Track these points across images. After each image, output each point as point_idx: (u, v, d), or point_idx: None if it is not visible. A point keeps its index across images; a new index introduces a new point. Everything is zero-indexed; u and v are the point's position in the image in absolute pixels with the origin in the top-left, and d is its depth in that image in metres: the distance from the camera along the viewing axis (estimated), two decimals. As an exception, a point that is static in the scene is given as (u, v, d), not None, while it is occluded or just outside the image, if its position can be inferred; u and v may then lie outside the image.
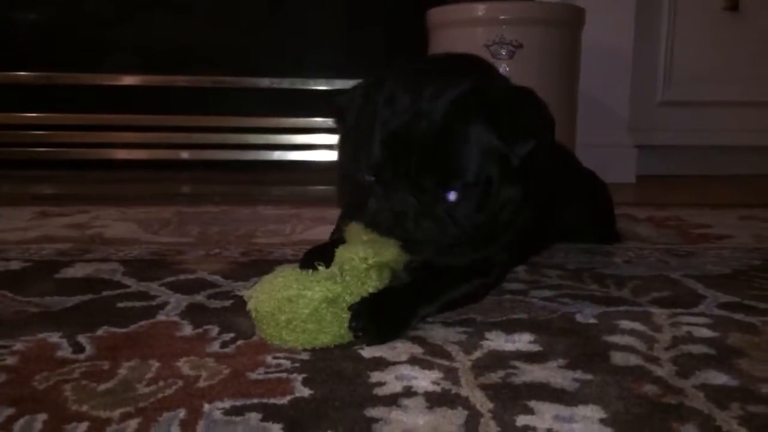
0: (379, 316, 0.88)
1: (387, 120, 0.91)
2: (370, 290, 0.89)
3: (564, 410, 0.70)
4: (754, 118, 3.05)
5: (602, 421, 0.67)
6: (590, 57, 2.53)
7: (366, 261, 0.87)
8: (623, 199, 2.08)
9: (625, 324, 0.96)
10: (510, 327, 0.94)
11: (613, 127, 2.82)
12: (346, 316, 0.86)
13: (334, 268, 0.88)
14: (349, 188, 1.01)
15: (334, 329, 0.86)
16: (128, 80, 2.79)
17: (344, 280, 0.87)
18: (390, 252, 0.89)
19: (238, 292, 0.99)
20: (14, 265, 1.26)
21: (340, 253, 0.89)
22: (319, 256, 0.93)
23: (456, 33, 2.28)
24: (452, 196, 0.92)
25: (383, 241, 0.91)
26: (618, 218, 1.60)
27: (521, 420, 0.67)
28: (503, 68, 2.17)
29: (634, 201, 2.23)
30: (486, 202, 0.94)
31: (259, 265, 1.25)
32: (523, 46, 2.18)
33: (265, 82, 2.81)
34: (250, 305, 0.87)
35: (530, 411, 0.69)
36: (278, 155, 2.81)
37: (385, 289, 0.90)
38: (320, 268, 0.88)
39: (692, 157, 3.09)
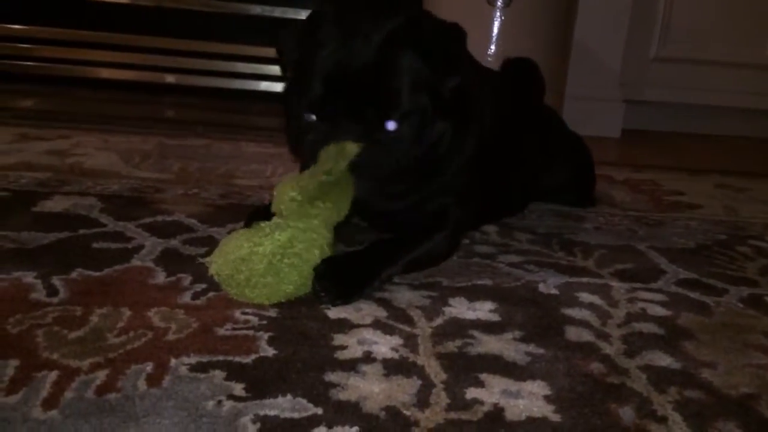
0: (342, 277, 0.91)
1: (324, 56, 0.95)
2: (316, 222, 0.91)
3: (512, 385, 0.74)
4: (747, 79, 3.03)
5: (546, 398, 0.72)
6: (587, 6, 2.49)
7: (295, 200, 0.90)
8: (604, 157, 2.10)
9: (585, 297, 1.00)
10: (473, 293, 0.98)
11: (603, 79, 2.80)
12: (304, 264, 0.89)
13: (278, 219, 0.91)
14: (293, 129, 1.03)
15: (294, 278, 0.88)
16: (115, -3, 2.70)
17: (288, 225, 0.90)
18: (314, 180, 0.91)
19: (201, 259, 1.00)
20: (-8, 194, 1.27)
21: (275, 200, 0.92)
22: (261, 214, 0.97)
23: (453, -25, 2.22)
24: (391, 125, 0.95)
25: (306, 176, 0.93)
26: (596, 178, 1.62)
27: (471, 393, 0.71)
28: (498, 17, 2.14)
29: (614, 159, 2.25)
30: (422, 133, 0.98)
31: (237, 210, 1.27)
32: (519, -6, 2.14)
33: (256, 9, 2.73)
34: (211, 270, 0.90)
35: (481, 384, 0.73)
36: (265, 86, 2.76)
37: (349, 251, 0.93)
38: (262, 224, 0.91)
39: (681, 115, 3.09)
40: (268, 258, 0.87)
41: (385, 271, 0.97)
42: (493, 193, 1.23)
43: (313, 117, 0.96)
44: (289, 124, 1.06)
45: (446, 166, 1.05)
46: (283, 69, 1.08)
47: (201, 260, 0.97)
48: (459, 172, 1.07)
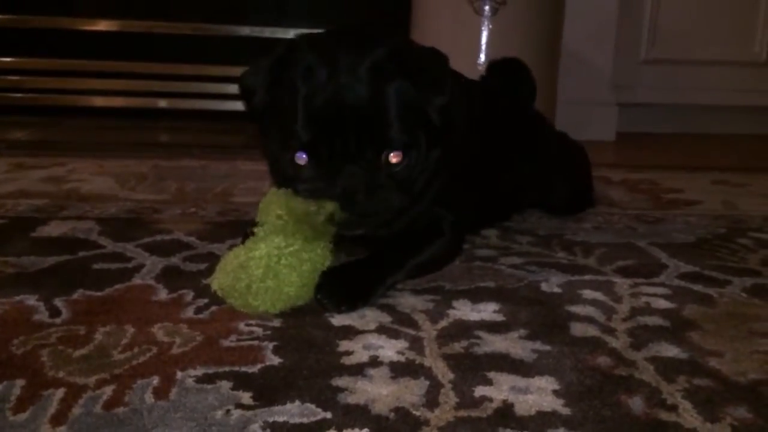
0: (346, 285, 0.91)
1: (309, 96, 0.90)
2: (300, 241, 0.90)
3: (520, 381, 0.73)
4: (737, 77, 3.06)
5: (555, 392, 0.71)
6: (575, 12, 2.52)
7: (282, 218, 0.89)
8: (601, 159, 2.10)
9: (588, 294, 1.00)
10: (477, 296, 0.97)
11: (595, 84, 2.82)
12: (303, 264, 0.88)
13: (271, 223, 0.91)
14: (280, 176, 0.98)
15: (294, 279, 0.88)
16: (105, 25, 2.72)
17: (285, 225, 0.89)
18: (303, 206, 0.90)
19: (204, 281, 0.98)
20: (-10, 222, 1.27)
21: (261, 213, 0.91)
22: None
23: (439, -13, 2.25)
24: (396, 159, 0.92)
25: (296, 198, 0.91)
26: (593, 180, 1.62)
27: (479, 391, 0.71)
28: (486, 25, 2.16)
29: (611, 161, 2.25)
30: (421, 163, 0.96)
31: (235, 226, 1.27)
32: (506, 2, 2.16)
33: (245, 30, 2.76)
34: (213, 286, 0.90)
35: (489, 382, 0.73)
36: (258, 106, 2.78)
37: (352, 260, 0.93)
38: (255, 229, 0.91)
39: (674, 115, 3.11)
40: (265, 260, 0.87)
41: (390, 278, 0.97)
42: (482, 196, 1.23)
43: (303, 158, 0.91)
44: (274, 169, 1.00)
45: (432, 182, 1.03)
46: (251, 112, 1.00)
47: (204, 281, 0.97)
48: (445, 184, 1.06)
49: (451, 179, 1.07)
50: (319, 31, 1.03)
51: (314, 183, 0.91)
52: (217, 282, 0.89)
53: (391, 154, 0.92)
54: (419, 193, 1.00)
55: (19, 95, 2.70)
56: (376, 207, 0.92)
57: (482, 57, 2.18)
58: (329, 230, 0.90)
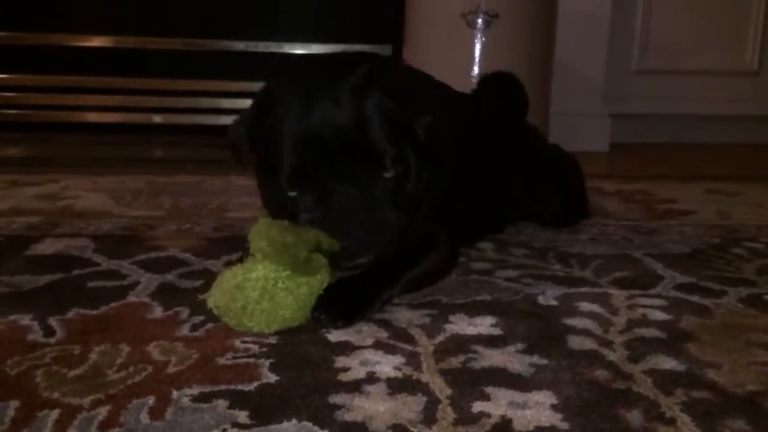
0: (342, 300, 0.91)
1: (291, 125, 0.90)
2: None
3: (518, 396, 0.73)
4: (728, 87, 3.08)
5: (553, 407, 0.71)
6: (567, 24, 2.53)
7: (264, 250, 0.88)
8: (594, 170, 2.11)
9: (584, 306, 1.00)
10: (473, 309, 0.97)
11: (587, 95, 2.83)
12: (300, 288, 0.88)
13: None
14: (278, 210, 0.97)
15: (290, 302, 0.88)
16: (99, 41, 2.73)
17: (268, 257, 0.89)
18: (283, 235, 0.88)
19: (200, 296, 0.98)
20: (-16, 240, 1.26)
21: (252, 245, 0.90)
22: None
23: (433, 1, 2.26)
24: (389, 173, 0.92)
25: (277, 227, 0.90)
26: (588, 191, 1.62)
27: (477, 406, 0.71)
28: (479, 38, 2.17)
29: (605, 172, 2.26)
30: (414, 176, 0.95)
31: (230, 242, 1.27)
32: (499, 15, 2.17)
33: (240, 46, 2.76)
34: (209, 303, 0.89)
35: (486, 397, 0.73)
36: (253, 120, 2.78)
37: (347, 276, 0.93)
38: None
39: (667, 125, 3.13)
40: (262, 283, 0.87)
41: (386, 292, 0.96)
42: (474, 209, 1.23)
43: (295, 191, 0.91)
44: (270, 205, 1.00)
45: (423, 197, 1.03)
46: (239, 160, 1.03)
47: (200, 297, 0.97)
48: (436, 198, 1.06)
49: (442, 193, 1.07)
50: (292, 63, 1.05)
51: (310, 212, 0.91)
52: (213, 300, 0.89)
53: (383, 167, 0.92)
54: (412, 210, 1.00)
55: (12, 111, 2.70)
56: (375, 227, 0.91)
57: (476, 69, 2.19)
58: (317, 263, 0.89)
